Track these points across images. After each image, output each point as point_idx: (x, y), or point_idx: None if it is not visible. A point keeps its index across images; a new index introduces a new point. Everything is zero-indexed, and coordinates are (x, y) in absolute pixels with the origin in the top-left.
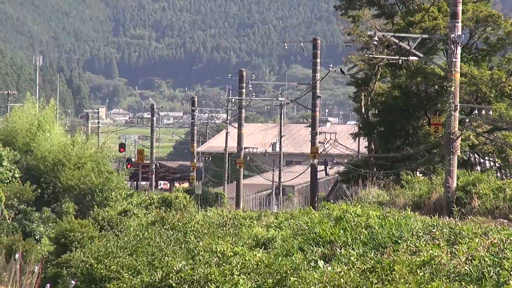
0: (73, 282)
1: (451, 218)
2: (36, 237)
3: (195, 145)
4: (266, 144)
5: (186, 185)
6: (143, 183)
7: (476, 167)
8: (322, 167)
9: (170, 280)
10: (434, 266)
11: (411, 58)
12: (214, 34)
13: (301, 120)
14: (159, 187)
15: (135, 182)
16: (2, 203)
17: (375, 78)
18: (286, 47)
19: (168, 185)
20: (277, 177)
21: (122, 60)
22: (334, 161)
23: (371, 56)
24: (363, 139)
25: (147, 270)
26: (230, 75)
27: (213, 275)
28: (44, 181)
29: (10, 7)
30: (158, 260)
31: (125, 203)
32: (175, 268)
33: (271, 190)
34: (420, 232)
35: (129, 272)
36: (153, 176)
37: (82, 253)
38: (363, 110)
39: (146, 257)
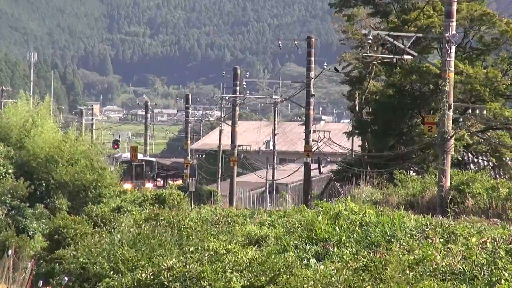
0: (66, 278)
1: (445, 217)
2: (29, 233)
3: (188, 142)
4: (259, 142)
5: (179, 182)
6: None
7: (470, 166)
8: (316, 165)
9: (162, 277)
10: (427, 265)
11: (406, 56)
12: (209, 32)
13: (295, 118)
14: None
15: None
16: None
17: (369, 76)
18: (280, 45)
19: (162, 182)
20: (271, 175)
21: (116, 57)
22: (328, 159)
23: (366, 54)
24: (357, 137)
25: (140, 269)
26: (224, 72)
27: (205, 273)
28: (37, 177)
29: (5, 4)
30: (155, 256)
31: (118, 200)
32: (166, 265)
33: (264, 188)
34: (414, 231)
35: (126, 267)
36: None
37: (74, 250)
38: (357, 109)
39: (142, 254)
